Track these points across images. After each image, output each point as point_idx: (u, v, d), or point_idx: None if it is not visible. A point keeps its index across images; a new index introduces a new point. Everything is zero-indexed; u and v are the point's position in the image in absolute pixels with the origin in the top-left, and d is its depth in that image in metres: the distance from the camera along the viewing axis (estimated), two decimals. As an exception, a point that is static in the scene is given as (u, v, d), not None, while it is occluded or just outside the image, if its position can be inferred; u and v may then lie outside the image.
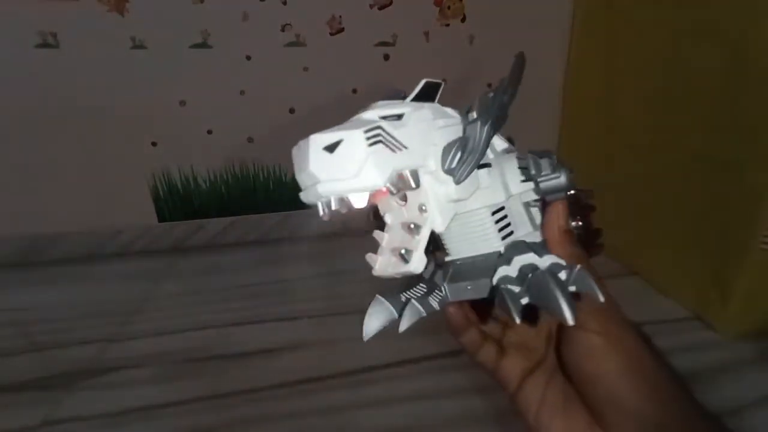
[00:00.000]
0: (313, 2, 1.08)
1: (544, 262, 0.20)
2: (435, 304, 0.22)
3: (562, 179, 0.22)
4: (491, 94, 0.21)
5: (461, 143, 0.19)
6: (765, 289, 0.78)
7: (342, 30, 1.12)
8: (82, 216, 1.17)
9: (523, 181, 0.23)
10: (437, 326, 0.32)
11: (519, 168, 0.23)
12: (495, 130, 0.21)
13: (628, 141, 1.03)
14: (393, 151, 0.18)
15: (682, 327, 0.85)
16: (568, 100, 1.26)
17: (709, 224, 0.84)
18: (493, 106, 0.21)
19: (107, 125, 1.10)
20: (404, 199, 0.20)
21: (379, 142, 0.17)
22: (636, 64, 0.99)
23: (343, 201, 0.17)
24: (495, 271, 0.21)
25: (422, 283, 0.23)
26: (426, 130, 0.19)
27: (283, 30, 1.10)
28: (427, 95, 0.20)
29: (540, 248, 0.22)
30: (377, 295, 0.22)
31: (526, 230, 0.23)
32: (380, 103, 0.20)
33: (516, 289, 0.19)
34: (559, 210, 0.24)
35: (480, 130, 0.20)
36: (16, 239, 1.16)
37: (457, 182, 0.19)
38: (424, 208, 0.19)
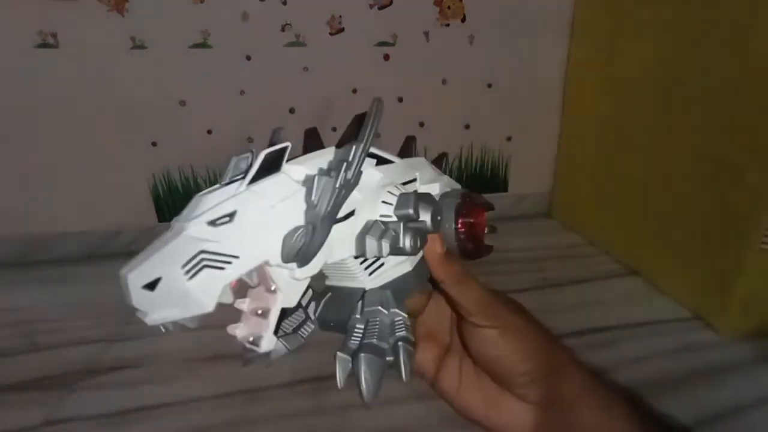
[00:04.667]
0: (313, 2, 1.08)
1: (389, 316, 0.23)
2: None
3: (425, 224, 0.23)
4: (330, 172, 0.19)
5: (303, 230, 0.18)
6: (765, 289, 0.78)
7: (342, 30, 1.12)
8: (82, 216, 1.17)
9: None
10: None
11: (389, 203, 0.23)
12: (343, 198, 0.19)
13: (628, 141, 1.03)
14: (222, 268, 0.17)
15: (682, 327, 0.85)
16: (568, 100, 1.27)
17: (709, 224, 0.84)
18: (339, 177, 0.19)
19: (107, 125, 1.10)
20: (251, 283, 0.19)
21: (204, 268, 0.16)
22: (636, 64, 0.99)
23: (177, 323, 0.17)
24: (355, 308, 0.23)
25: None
26: (262, 222, 0.18)
27: (283, 30, 1.10)
28: (272, 165, 0.18)
29: (391, 300, 0.23)
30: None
31: (398, 259, 0.24)
32: (211, 197, 0.18)
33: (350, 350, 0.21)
34: (432, 239, 0.25)
35: (319, 220, 0.18)
36: (16, 239, 1.16)
37: (301, 266, 0.19)
38: (272, 288, 0.19)
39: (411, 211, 0.21)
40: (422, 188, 0.26)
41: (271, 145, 0.19)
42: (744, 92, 0.75)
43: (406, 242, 0.21)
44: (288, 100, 1.17)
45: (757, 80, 0.73)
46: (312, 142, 0.23)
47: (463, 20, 1.17)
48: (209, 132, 1.16)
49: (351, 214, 0.20)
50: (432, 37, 1.17)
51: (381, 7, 1.12)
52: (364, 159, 0.19)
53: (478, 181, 1.34)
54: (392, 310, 0.23)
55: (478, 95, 1.25)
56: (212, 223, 0.17)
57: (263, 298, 0.19)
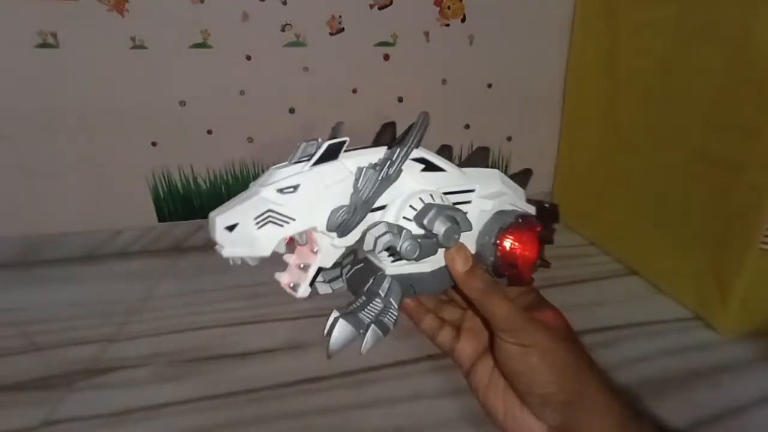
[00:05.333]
0: (313, 2, 1.08)
1: (383, 302, 0.25)
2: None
3: (435, 238, 0.25)
4: (373, 165, 0.24)
5: (346, 209, 0.23)
6: (765, 289, 0.78)
7: (342, 30, 1.12)
8: (82, 216, 1.17)
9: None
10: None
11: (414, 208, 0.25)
12: (382, 189, 0.24)
13: (628, 141, 1.03)
14: (281, 225, 0.22)
15: (682, 327, 0.86)
16: (569, 100, 1.26)
17: (709, 224, 0.84)
18: (379, 172, 0.24)
19: (107, 125, 1.10)
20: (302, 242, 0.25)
21: (268, 222, 0.22)
22: (636, 64, 0.99)
23: (243, 260, 0.22)
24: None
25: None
26: (316, 196, 0.23)
27: (283, 30, 1.10)
28: (332, 153, 0.23)
29: (393, 291, 0.26)
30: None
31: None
32: (283, 172, 0.23)
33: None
34: (451, 256, 0.26)
35: (360, 203, 0.23)
36: (16, 239, 1.16)
37: (339, 237, 0.24)
38: (315, 249, 0.24)
39: (425, 222, 0.24)
40: (476, 202, 0.27)
41: (332, 137, 0.23)
42: (744, 92, 0.75)
43: (404, 247, 0.23)
44: (288, 100, 1.17)
45: (757, 80, 0.73)
46: (384, 136, 0.26)
47: (463, 20, 1.17)
48: (209, 132, 1.16)
49: (382, 207, 0.24)
50: (432, 37, 1.17)
51: (381, 7, 1.12)
52: (404, 161, 0.24)
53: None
54: (389, 299, 0.25)
55: (478, 95, 1.24)
56: (281, 191, 0.22)
57: (307, 256, 0.25)
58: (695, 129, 0.85)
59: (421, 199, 0.25)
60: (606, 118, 1.10)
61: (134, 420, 0.68)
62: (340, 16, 1.11)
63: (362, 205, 0.23)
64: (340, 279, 0.28)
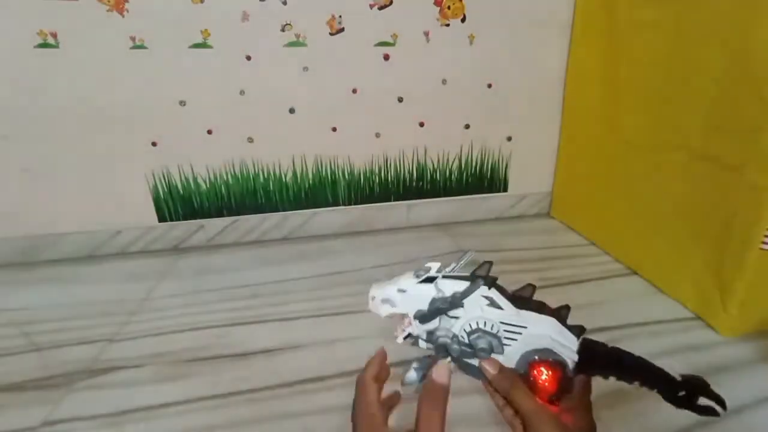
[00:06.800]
0: (313, 2, 1.09)
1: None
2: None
3: (475, 350, 0.37)
4: (433, 308, 0.37)
5: (422, 312, 0.38)
6: (765, 289, 0.78)
7: (342, 30, 1.12)
8: (82, 216, 1.17)
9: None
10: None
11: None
12: (433, 314, 0.38)
13: (628, 141, 1.03)
14: (391, 306, 0.38)
15: (682, 327, 0.85)
16: (569, 100, 1.27)
17: (709, 224, 0.84)
18: (439, 310, 0.37)
19: (107, 125, 1.10)
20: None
21: (384, 303, 0.38)
22: (636, 64, 0.99)
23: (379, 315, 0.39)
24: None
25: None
26: (413, 299, 0.38)
27: (283, 30, 1.10)
28: (429, 280, 0.38)
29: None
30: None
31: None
32: (405, 279, 0.38)
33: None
34: (483, 366, 0.37)
35: (427, 314, 0.38)
36: (16, 239, 1.17)
37: (420, 324, 0.38)
38: (409, 323, 0.39)
39: (471, 339, 0.37)
40: (525, 335, 0.37)
41: (475, 272, 0.38)
42: (744, 92, 0.75)
43: (453, 349, 0.38)
44: (288, 100, 1.17)
45: (757, 80, 0.73)
46: (480, 271, 0.38)
47: (463, 20, 1.17)
48: (209, 132, 1.16)
49: (457, 317, 0.37)
50: (432, 37, 1.17)
51: (381, 7, 1.12)
52: (445, 311, 0.37)
53: (478, 181, 1.34)
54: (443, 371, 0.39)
55: (478, 95, 1.25)
56: (398, 290, 0.38)
57: (406, 324, 0.39)
58: (695, 129, 0.85)
59: (477, 323, 0.37)
60: (606, 118, 1.10)
61: (134, 420, 0.68)
62: (340, 16, 1.11)
63: (428, 314, 0.37)
64: (432, 345, 0.42)
